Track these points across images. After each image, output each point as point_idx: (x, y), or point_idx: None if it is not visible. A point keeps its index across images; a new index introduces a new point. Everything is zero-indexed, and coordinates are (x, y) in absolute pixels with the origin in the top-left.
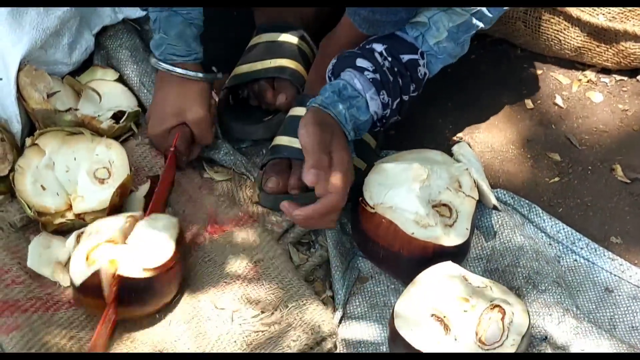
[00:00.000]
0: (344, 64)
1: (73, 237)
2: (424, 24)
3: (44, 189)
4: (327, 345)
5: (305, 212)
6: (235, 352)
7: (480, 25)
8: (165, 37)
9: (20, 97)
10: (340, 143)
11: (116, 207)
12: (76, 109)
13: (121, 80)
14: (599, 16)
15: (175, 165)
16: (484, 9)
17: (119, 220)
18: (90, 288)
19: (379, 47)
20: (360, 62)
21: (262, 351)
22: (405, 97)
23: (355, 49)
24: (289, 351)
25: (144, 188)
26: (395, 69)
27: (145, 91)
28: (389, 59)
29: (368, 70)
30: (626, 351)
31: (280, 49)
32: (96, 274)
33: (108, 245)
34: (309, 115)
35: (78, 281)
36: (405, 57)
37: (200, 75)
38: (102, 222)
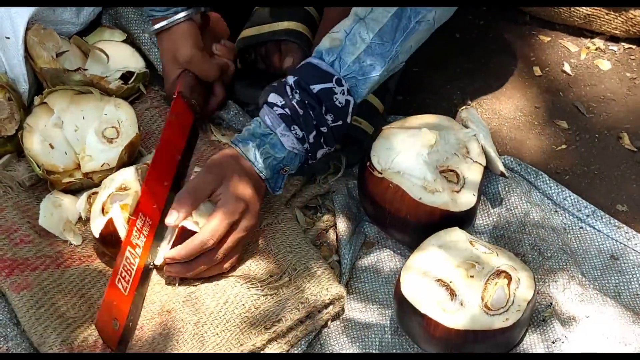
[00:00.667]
0: (263, 98)
1: (84, 197)
2: (339, 46)
3: (52, 147)
4: (335, 309)
5: (171, 255)
6: (243, 313)
7: (415, 22)
8: None
9: (28, 57)
10: (236, 182)
11: (125, 165)
12: (85, 69)
13: (129, 41)
14: None
15: (191, 114)
16: (416, 9)
17: (129, 170)
18: (108, 237)
19: (290, 80)
20: (272, 98)
21: (270, 313)
22: (324, 129)
23: (272, 83)
24: (297, 314)
25: None
26: (305, 102)
27: (157, 50)
28: (298, 91)
29: (277, 106)
30: (631, 317)
31: (288, 12)
32: (110, 222)
33: (120, 193)
34: (212, 157)
35: (97, 233)
36: (317, 87)
37: (178, 16)
38: (114, 175)
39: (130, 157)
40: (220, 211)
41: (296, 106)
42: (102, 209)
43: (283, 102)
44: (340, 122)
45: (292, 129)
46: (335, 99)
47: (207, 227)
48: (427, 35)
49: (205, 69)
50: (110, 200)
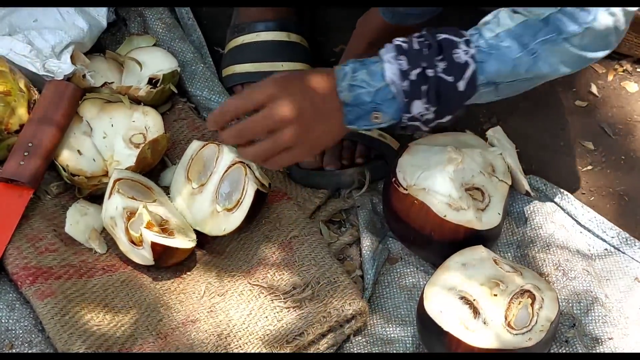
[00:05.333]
0: None
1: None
2: (485, 22)
3: (80, 154)
4: (357, 324)
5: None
6: (266, 326)
7: (560, 37)
8: None
9: None
10: (293, 99)
11: (148, 163)
12: (111, 83)
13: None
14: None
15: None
16: (562, 20)
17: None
18: (163, 255)
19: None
20: (398, 39)
21: (293, 327)
22: (430, 72)
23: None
24: (319, 328)
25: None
26: (426, 41)
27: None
28: (424, 32)
29: (398, 40)
30: None
31: (288, 52)
32: (154, 245)
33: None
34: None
35: (150, 262)
36: (442, 36)
37: None
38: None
39: (154, 155)
40: (259, 113)
41: (414, 41)
42: (131, 241)
43: (404, 39)
44: (451, 79)
45: (399, 59)
46: (455, 52)
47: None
48: (578, 64)
49: None
50: (131, 227)
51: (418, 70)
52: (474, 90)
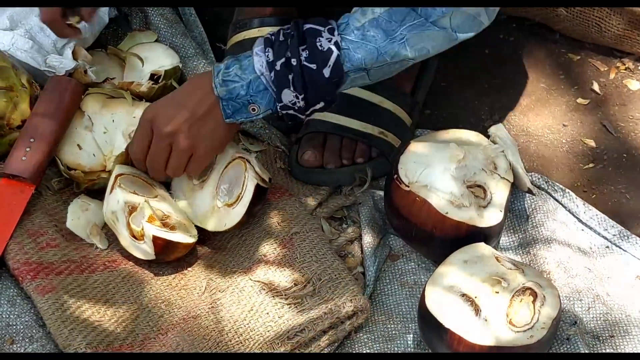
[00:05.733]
0: None
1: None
2: (355, 10)
3: (80, 148)
4: (358, 321)
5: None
6: (267, 323)
7: (428, 21)
8: None
9: None
10: (170, 99)
11: None
12: (112, 78)
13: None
14: None
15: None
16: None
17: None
18: (165, 248)
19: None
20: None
21: (294, 323)
22: (293, 61)
23: None
24: (320, 324)
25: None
26: (291, 32)
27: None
28: (291, 24)
29: (269, 33)
30: None
31: None
32: (155, 239)
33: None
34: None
35: (151, 256)
36: (307, 26)
37: None
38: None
39: None
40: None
41: (280, 33)
42: (132, 235)
43: (274, 32)
44: (314, 67)
45: (267, 50)
46: (318, 40)
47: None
48: (446, 45)
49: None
50: (132, 221)
51: (282, 60)
52: (341, 76)
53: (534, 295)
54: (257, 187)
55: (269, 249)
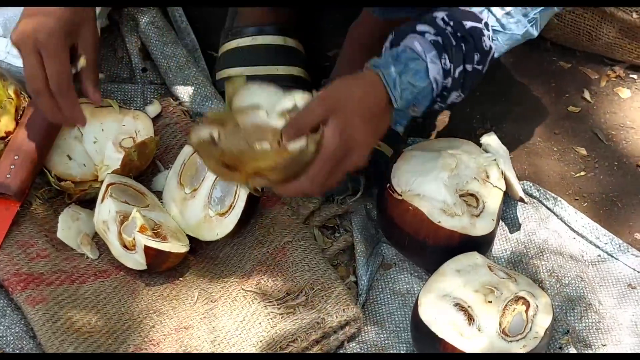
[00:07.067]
0: (404, 32)
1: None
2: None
3: (70, 159)
4: (351, 330)
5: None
6: (259, 333)
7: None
8: None
9: None
10: (350, 115)
11: (135, 166)
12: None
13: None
14: (632, 13)
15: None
16: None
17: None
18: (156, 259)
19: (440, 14)
20: (421, 27)
21: (286, 333)
22: (469, 67)
23: (413, 19)
24: (313, 334)
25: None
26: (459, 34)
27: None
28: (451, 23)
29: (429, 33)
30: None
31: (284, 56)
32: (147, 249)
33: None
34: (333, 83)
35: (142, 266)
36: (469, 24)
37: None
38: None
39: (141, 159)
40: (322, 155)
41: (450, 36)
42: (124, 245)
43: (435, 31)
44: (480, 67)
45: (442, 58)
46: (483, 40)
47: (307, 175)
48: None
49: None
50: (124, 231)
51: (460, 68)
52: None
53: (527, 304)
54: (250, 196)
55: (261, 258)
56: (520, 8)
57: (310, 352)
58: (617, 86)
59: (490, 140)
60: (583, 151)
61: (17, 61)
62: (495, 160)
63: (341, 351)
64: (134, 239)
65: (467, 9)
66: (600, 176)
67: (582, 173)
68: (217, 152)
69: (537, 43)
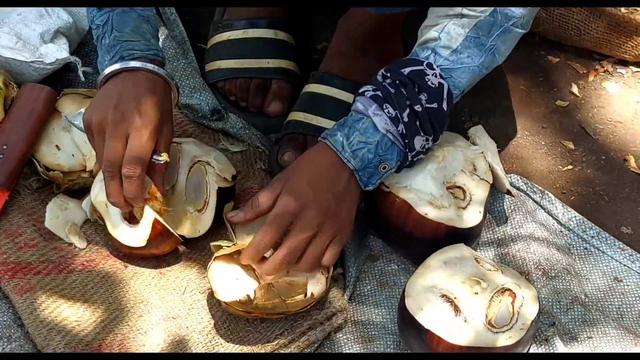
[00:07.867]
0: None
1: (88, 199)
2: (434, 39)
3: (58, 149)
4: (338, 321)
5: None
6: (247, 327)
7: (509, 24)
8: (120, 34)
9: None
10: (299, 184)
11: None
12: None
13: None
14: (620, 8)
15: None
16: (506, 8)
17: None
18: (160, 237)
19: (379, 72)
20: (362, 89)
21: (273, 325)
22: (417, 107)
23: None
24: (300, 326)
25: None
26: (397, 82)
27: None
28: (389, 74)
29: (368, 91)
30: (633, 340)
31: (274, 48)
32: (156, 223)
33: None
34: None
35: (143, 241)
36: (407, 70)
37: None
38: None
39: None
40: (273, 211)
41: (388, 87)
42: (126, 218)
43: (374, 87)
44: (435, 105)
45: (385, 107)
46: (427, 79)
47: (284, 244)
48: (515, 42)
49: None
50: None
51: (407, 111)
52: (452, 103)
53: (513, 296)
54: (219, 190)
55: None
56: (474, 39)
57: (297, 342)
58: (605, 81)
59: (478, 133)
60: (570, 145)
61: (7, 52)
62: (482, 153)
63: (327, 342)
64: (143, 208)
65: (408, 57)
66: (587, 170)
67: (570, 167)
68: (251, 307)
69: (524, 38)
